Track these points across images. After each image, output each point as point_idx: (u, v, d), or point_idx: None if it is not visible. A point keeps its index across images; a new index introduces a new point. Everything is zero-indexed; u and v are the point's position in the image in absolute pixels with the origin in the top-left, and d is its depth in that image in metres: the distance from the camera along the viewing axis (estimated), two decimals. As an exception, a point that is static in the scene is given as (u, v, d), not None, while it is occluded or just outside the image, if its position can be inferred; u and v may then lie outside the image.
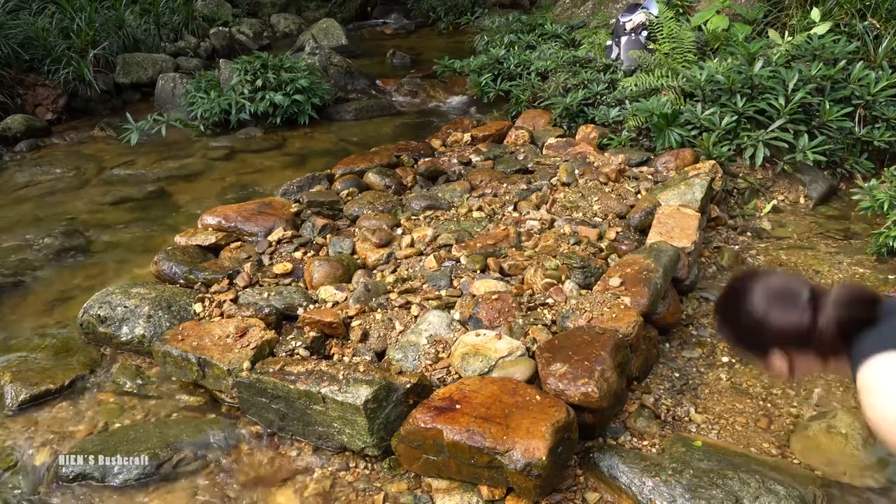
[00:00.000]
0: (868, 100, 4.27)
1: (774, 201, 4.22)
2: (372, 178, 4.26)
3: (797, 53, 4.60)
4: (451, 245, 3.36)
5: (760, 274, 1.57)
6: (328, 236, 3.61)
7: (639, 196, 3.84)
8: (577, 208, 3.70)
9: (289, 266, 3.30)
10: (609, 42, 5.77)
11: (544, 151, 4.68)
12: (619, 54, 5.56)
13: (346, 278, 3.20)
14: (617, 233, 3.45)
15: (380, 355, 2.74)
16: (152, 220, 4.43)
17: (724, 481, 2.12)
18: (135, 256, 3.94)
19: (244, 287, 3.18)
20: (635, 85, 4.84)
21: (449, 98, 6.82)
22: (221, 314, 2.99)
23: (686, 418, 2.58)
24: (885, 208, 3.63)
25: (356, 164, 4.49)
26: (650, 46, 5.27)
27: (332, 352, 2.78)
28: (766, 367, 1.58)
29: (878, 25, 4.87)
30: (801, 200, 4.28)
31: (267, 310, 2.95)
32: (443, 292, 3.00)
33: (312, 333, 2.83)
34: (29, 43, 6.53)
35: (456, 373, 2.55)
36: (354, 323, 2.85)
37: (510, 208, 3.78)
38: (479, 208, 3.80)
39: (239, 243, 3.59)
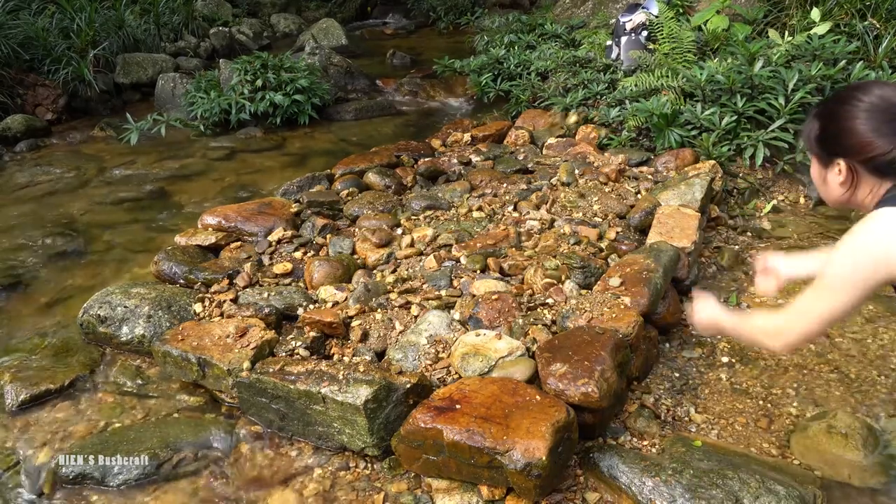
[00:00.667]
0: (868, 100, 4.27)
1: (774, 201, 4.22)
2: (372, 178, 4.26)
3: (797, 53, 4.60)
4: (451, 245, 3.36)
5: (883, 84, 1.47)
6: (328, 236, 3.61)
7: (639, 196, 3.84)
8: (577, 208, 3.70)
9: (289, 266, 3.30)
10: (609, 42, 5.78)
11: (544, 151, 4.68)
12: (619, 54, 5.56)
13: (346, 278, 3.20)
14: (617, 233, 3.45)
15: (380, 355, 2.74)
16: (152, 220, 4.44)
17: (724, 481, 2.12)
18: (135, 256, 3.94)
19: (244, 287, 3.18)
20: (635, 85, 4.84)
21: (449, 98, 6.82)
22: (221, 314, 2.99)
23: (686, 418, 2.58)
24: (885, 208, 3.63)
25: (356, 164, 4.49)
26: (650, 46, 5.27)
27: (332, 352, 2.78)
28: (820, 180, 1.56)
29: (878, 25, 4.87)
30: (801, 200, 4.28)
31: (267, 310, 2.95)
32: (443, 292, 3.00)
33: (312, 333, 2.83)
34: (29, 43, 6.53)
35: (456, 373, 2.55)
36: (354, 323, 2.85)
37: (510, 208, 3.78)
38: (479, 208, 3.80)
39: (239, 243, 3.59)
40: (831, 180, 1.53)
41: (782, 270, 1.95)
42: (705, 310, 1.85)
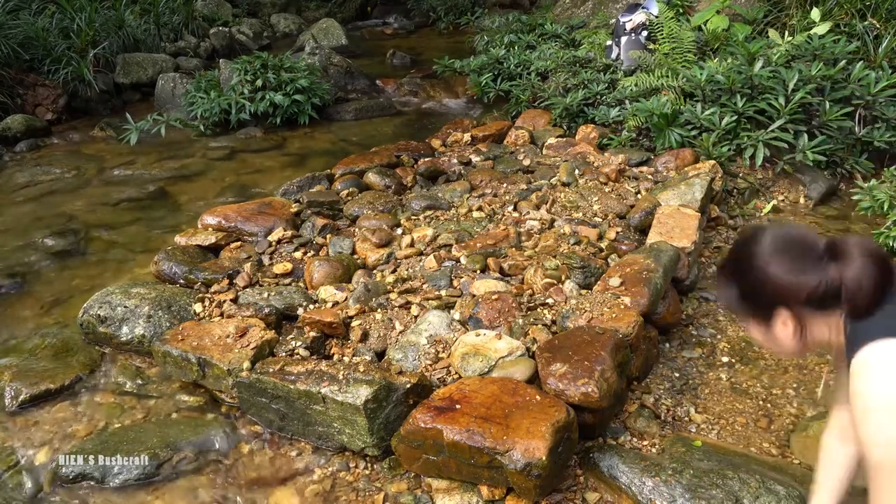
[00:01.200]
0: (868, 100, 4.27)
1: (774, 201, 4.22)
2: (372, 178, 4.26)
3: (797, 53, 4.60)
4: (451, 245, 3.36)
5: (770, 226, 1.41)
6: (328, 236, 3.61)
7: (639, 196, 3.84)
8: (577, 208, 3.70)
9: (289, 266, 3.30)
10: (609, 42, 5.78)
11: (544, 151, 4.68)
12: (619, 54, 5.57)
13: (346, 278, 3.20)
14: (617, 233, 3.45)
15: (380, 355, 2.74)
16: (152, 220, 4.44)
17: (724, 481, 2.12)
18: (135, 256, 3.94)
19: (244, 287, 3.18)
20: (635, 85, 4.84)
21: (449, 98, 6.82)
22: (221, 314, 2.99)
23: (686, 418, 2.58)
24: (885, 208, 3.63)
25: (356, 164, 4.49)
26: (650, 46, 5.27)
27: (332, 352, 2.78)
28: (769, 338, 1.45)
29: (878, 25, 4.87)
30: (801, 200, 4.28)
31: (267, 310, 2.95)
32: (443, 292, 3.00)
33: (312, 333, 2.83)
34: (29, 43, 6.53)
35: (456, 373, 2.55)
36: (354, 323, 2.85)
37: (510, 208, 3.78)
38: (479, 208, 3.80)
39: (239, 243, 3.59)
40: (780, 334, 1.41)
41: None
42: None
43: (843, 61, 4.34)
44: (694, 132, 4.42)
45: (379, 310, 2.94)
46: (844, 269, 1.29)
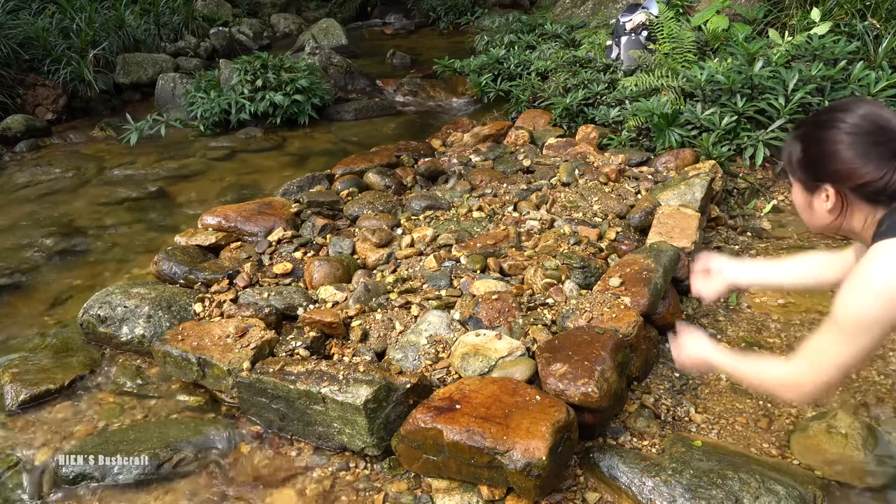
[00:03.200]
0: (868, 100, 4.27)
1: (774, 201, 4.22)
2: (372, 178, 4.26)
3: (797, 53, 4.60)
4: (451, 245, 3.37)
5: (867, 101, 1.36)
6: (328, 236, 3.61)
7: (639, 196, 3.84)
8: (577, 208, 3.70)
9: (289, 266, 3.30)
10: (609, 42, 5.78)
11: (544, 151, 4.68)
12: (619, 54, 5.57)
13: (346, 278, 3.20)
14: (617, 233, 3.45)
15: (380, 355, 2.74)
16: (152, 220, 4.44)
17: (724, 481, 2.12)
18: (135, 256, 3.94)
19: (244, 287, 3.18)
20: (635, 85, 4.84)
21: (449, 98, 6.82)
22: (221, 314, 2.99)
23: (686, 418, 2.58)
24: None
25: (356, 164, 4.49)
26: (650, 46, 5.27)
27: (332, 352, 2.78)
28: (805, 206, 1.44)
29: (878, 25, 4.87)
30: (801, 200, 4.27)
31: (267, 310, 2.95)
32: (443, 292, 3.00)
33: (312, 333, 2.83)
34: (29, 43, 6.53)
35: (456, 373, 2.55)
36: (354, 323, 2.86)
37: (510, 208, 3.78)
38: (479, 208, 3.80)
39: (239, 243, 3.59)
40: (818, 207, 1.42)
41: (727, 274, 1.82)
42: (693, 346, 1.69)
43: (843, 61, 4.34)
44: (694, 132, 4.43)
45: (379, 310, 2.94)
46: None
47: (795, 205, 1.52)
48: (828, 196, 1.38)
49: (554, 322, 2.78)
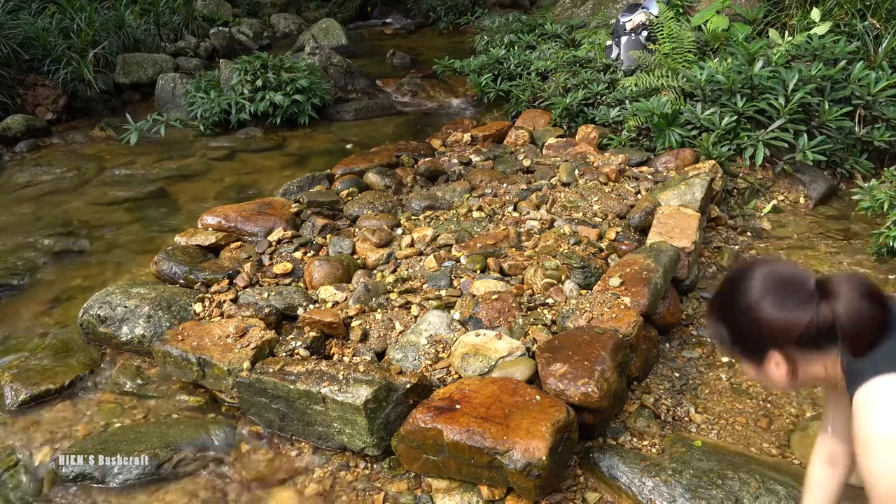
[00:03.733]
0: (868, 100, 4.27)
1: (774, 201, 4.22)
2: (372, 178, 4.26)
3: (797, 53, 4.60)
4: (451, 245, 3.37)
5: (759, 262, 1.37)
6: (328, 236, 3.61)
7: (639, 196, 3.84)
8: (577, 208, 3.70)
9: (289, 266, 3.30)
10: (609, 42, 5.78)
11: (544, 151, 4.68)
12: (619, 54, 5.57)
13: (346, 278, 3.20)
14: (617, 233, 3.45)
15: (380, 355, 2.74)
16: (152, 220, 4.44)
17: (724, 481, 2.12)
18: (135, 256, 3.94)
19: (244, 287, 3.18)
20: (635, 85, 4.84)
21: (449, 98, 6.82)
22: (221, 314, 2.99)
23: (686, 418, 2.58)
24: (885, 208, 3.63)
25: (356, 164, 4.49)
26: (650, 46, 5.27)
27: (332, 352, 2.78)
28: (761, 376, 1.42)
29: (878, 25, 4.87)
30: (801, 200, 4.28)
31: (267, 310, 2.95)
32: (443, 292, 3.00)
33: (312, 333, 2.83)
34: (29, 43, 6.53)
35: (456, 373, 2.55)
36: (354, 323, 2.85)
37: (510, 208, 3.78)
38: (479, 208, 3.80)
39: (239, 243, 3.59)
40: (774, 374, 1.37)
41: None
42: None
43: (843, 61, 4.34)
44: (694, 132, 4.42)
45: (379, 310, 2.93)
46: (836, 305, 1.26)
47: (752, 377, 1.48)
48: (777, 362, 1.35)
49: (554, 322, 2.78)
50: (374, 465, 2.41)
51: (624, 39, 5.49)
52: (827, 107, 4.20)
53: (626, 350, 2.54)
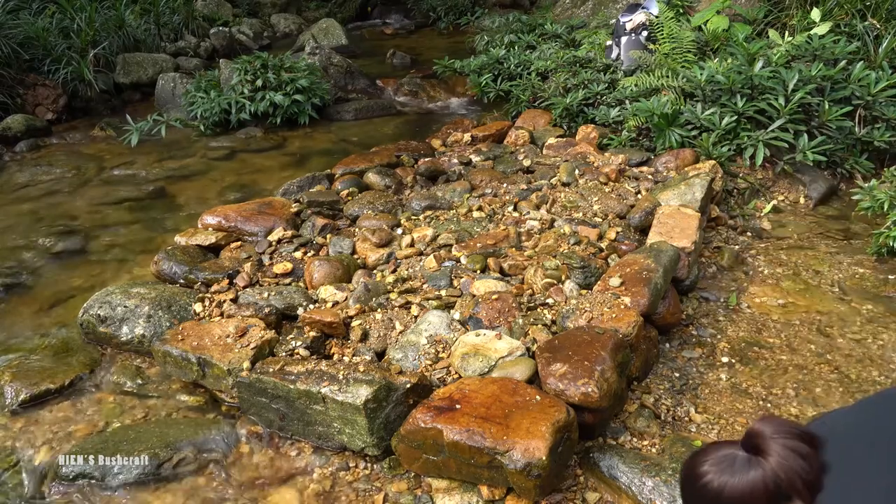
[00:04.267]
0: (868, 100, 4.28)
1: (774, 201, 4.22)
2: (372, 178, 4.26)
3: (797, 53, 4.60)
4: (451, 245, 3.37)
5: (696, 452, 1.33)
6: (328, 236, 3.61)
7: (639, 196, 3.84)
8: (577, 208, 3.70)
9: (289, 266, 3.30)
10: (609, 42, 5.78)
11: (544, 151, 4.68)
12: (619, 54, 5.57)
13: (346, 278, 3.20)
14: (617, 233, 3.45)
15: (380, 355, 2.74)
16: (152, 220, 4.44)
17: (724, 481, 2.12)
18: (135, 256, 3.94)
19: (244, 287, 3.18)
20: (635, 85, 4.84)
21: (449, 98, 6.83)
22: (221, 314, 2.99)
23: (686, 418, 2.58)
24: (885, 208, 3.63)
25: (356, 164, 4.49)
26: (650, 46, 5.27)
27: (332, 352, 2.78)
28: None
29: (878, 25, 4.87)
30: (802, 200, 4.28)
31: (267, 310, 2.95)
32: (443, 292, 3.00)
33: (312, 333, 2.83)
34: (29, 43, 6.53)
35: (456, 373, 2.55)
36: (354, 323, 2.86)
37: (510, 208, 3.78)
38: (480, 208, 3.80)
39: (239, 243, 3.59)
40: None
41: None
42: None
43: (843, 61, 4.34)
44: (694, 132, 4.43)
45: (379, 310, 2.94)
46: (771, 461, 1.21)
47: None
48: None
49: (554, 322, 2.78)
50: (374, 465, 2.41)
51: (624, 39, 5.49)
52: (827, 107, 4.20)
53: (626, 350, 2.54)
